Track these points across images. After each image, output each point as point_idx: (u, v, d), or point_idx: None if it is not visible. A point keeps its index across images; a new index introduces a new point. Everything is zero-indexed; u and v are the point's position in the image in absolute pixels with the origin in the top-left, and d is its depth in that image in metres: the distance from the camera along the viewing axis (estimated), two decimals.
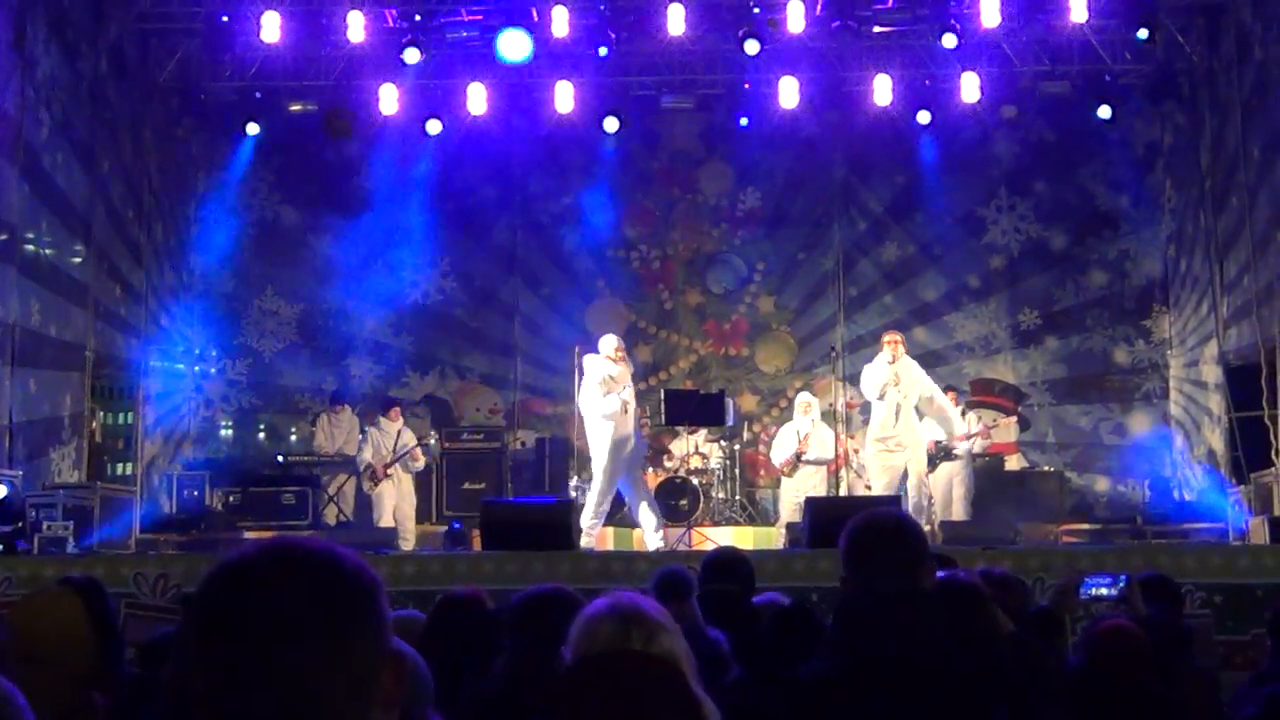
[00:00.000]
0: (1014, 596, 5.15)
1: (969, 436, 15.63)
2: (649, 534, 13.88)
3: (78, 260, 15.94)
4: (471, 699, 4.44)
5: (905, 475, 14.40)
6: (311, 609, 1.75)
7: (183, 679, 4.54)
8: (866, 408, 15.76)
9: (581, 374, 14.01)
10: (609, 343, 14.12)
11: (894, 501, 12.44)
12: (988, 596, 4.35)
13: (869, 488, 15.86)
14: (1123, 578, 5.31)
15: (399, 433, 16.26)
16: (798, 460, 15.98)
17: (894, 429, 14.39)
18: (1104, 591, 5.26)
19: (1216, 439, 17.37)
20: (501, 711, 4.29)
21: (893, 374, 14.33)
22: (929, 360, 17.56)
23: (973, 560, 8.35)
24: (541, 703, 4.30)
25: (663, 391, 13.59)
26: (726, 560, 6.35)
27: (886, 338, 14.85)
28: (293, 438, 19.21)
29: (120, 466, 17.81)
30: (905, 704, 3.42)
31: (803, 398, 16.58)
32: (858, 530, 3.73)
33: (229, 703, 1.74)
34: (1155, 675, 4.61)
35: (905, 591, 3.53)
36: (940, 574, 4.54)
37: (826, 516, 11.32)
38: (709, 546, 13.33)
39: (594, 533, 13.92)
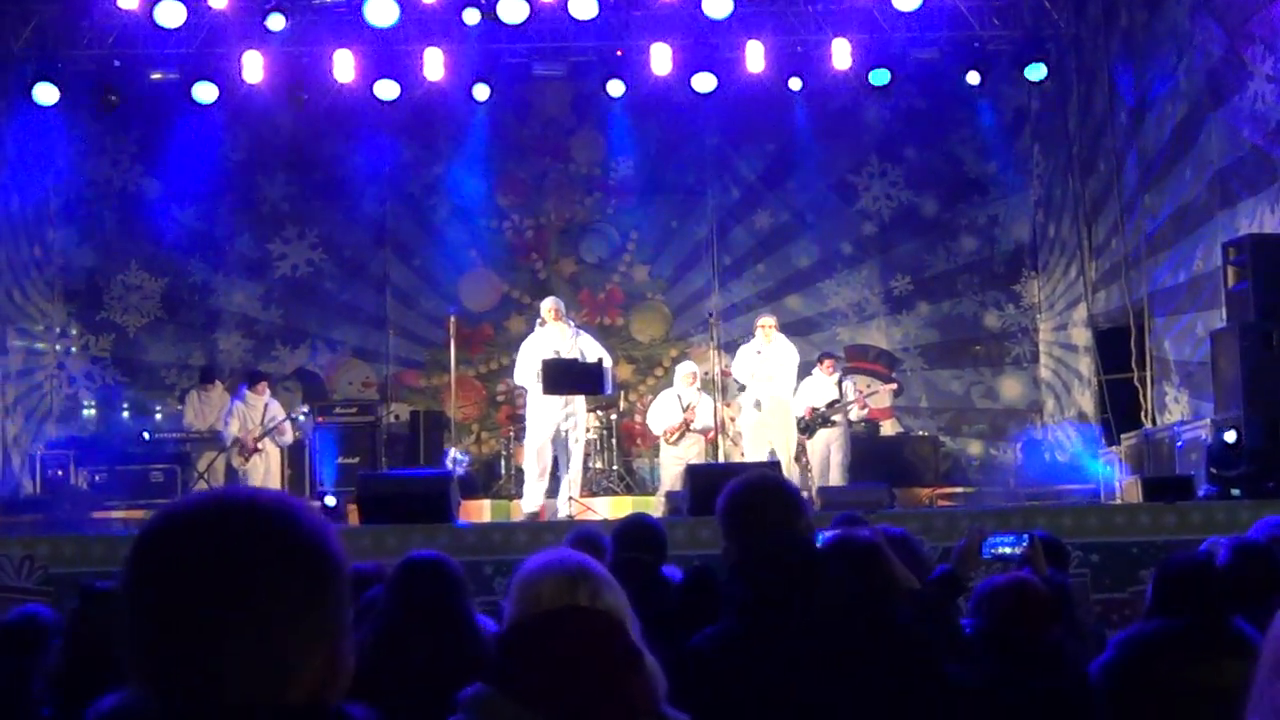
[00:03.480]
0: (911, 556, 5.11)
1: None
2: (562, 498, 13.90)
3: None
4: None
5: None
6: (231, 573, 1.59)
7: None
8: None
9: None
10: (544, 305, 14.13)
11: (774, 466, 12.45)
12: (885, 552, 4.31)
13: (744, 455, 15.97)
14: (1025, 537, 5.27)
15: (266, 406, 16.00)
16: (686, 429, 15.81)
17: (762, 408, 15.00)
18: (1007, 551, 5.21)
19: (1087, 401, 17.64)
20: (378, 678, 4.22)
21: (755, 367, 15.04)
22: (803, 327, 17.61)
23: None
24: (436, 667, 4.21)
25: (541, 361, 13.43)
26: (640, 529, 6.27)
27: (760, 322, 15.37)
28: (158, 415, 18.78)
29: None
30: (805, 660, 3.43)
31: (688, 367, 16.28)
32: (733, 494, 3.79)
33: (134, 659, 1.61)
34: (1058, 630, 4.61)
35: (788, 549, 3.52)
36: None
37: (706, 484, 11.28)
38: (589, 516, 13.26)
39: (536, 505, 13.85)
